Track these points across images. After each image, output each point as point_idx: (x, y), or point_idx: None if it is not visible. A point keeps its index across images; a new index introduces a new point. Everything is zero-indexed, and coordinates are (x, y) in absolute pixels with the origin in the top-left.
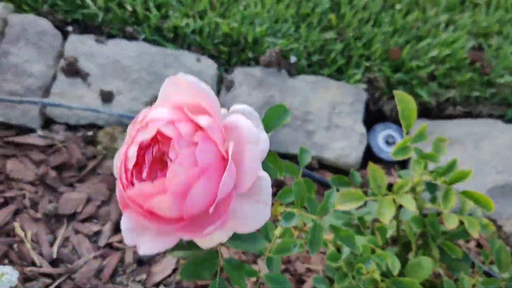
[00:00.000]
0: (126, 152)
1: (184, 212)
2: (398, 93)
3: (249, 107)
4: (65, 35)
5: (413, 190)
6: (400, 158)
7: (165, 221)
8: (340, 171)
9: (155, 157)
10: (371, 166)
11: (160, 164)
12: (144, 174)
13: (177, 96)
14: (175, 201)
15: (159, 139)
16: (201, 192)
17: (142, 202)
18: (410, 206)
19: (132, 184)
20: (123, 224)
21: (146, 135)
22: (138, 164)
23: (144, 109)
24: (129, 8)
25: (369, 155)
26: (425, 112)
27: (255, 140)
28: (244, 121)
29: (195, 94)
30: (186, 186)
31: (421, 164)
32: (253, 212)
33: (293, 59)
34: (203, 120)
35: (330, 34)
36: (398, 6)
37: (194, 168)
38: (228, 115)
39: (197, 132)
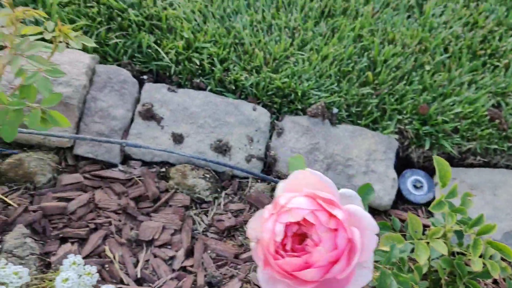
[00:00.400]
0: (274, 228)
1: (323, 279)
2: (437, 158)
3: (354, 192)
4: (140, 83)
5: (444, 235)
6: (437, 211)
7: (304, 282)
8: (374, 211)
9: (294, 233)
10: (410, 215)
11: (298, 238)
12: (288, 246)
13: (308, 188)
14: (319, 272)
15: (301, 222)
16: (340, 267)
17: (289, 269)
18: (443, 250)
19: (278, 252)
20: (261, 276)
21: (291, 219)
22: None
23: (283, 193)
24: (197, 62)
25: (399, 197)
26: (449, 160)
27: (374, 229)
28: (363, 212)
29: (321, 186)
30: (327, 262)
31: (453, 217)
32: (362, 275)
33: (335, 110)
34: (339, 214)
35: (367, 90)
36: (427, 67)
37: (335, 251)
38: (343, 195)
39: (331, 219)
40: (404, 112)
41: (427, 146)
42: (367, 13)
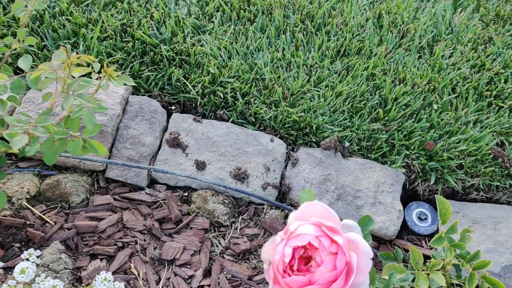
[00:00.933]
0: (283, 251)
1: None
2: (439, 197)
3: (354, 222)
4: (168, 113)
5: (443, 268)
6: (437, 246)
7: None
8: (379, 240)
9: (301, 256)
10: (412, 248)
11: (304, 260)
12: (295, 267)
13: (315, 217)
14: None
15: (307, 246)
16: (338, 285)
17: (294, 286)
18: (441, 282)
19: (285, 272)
20: None
21: (298, 243)
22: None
23: (293, 221)
24: (221, 95)
25: (404, 227)
26: (453, 194)
27: (369, 254)
28: (361, 239)
29: (326, 216)
30: (327, 281)
31: (452, 252)
32: None
33: (346, 144)
34: (340, 240)
35: (377, 125)
36: (435, 106)
37: (334, 271)
38: (345, 225)
39: (333, 244)
40: (412, 147)
41: (432, 181)
42: (380, 53)
